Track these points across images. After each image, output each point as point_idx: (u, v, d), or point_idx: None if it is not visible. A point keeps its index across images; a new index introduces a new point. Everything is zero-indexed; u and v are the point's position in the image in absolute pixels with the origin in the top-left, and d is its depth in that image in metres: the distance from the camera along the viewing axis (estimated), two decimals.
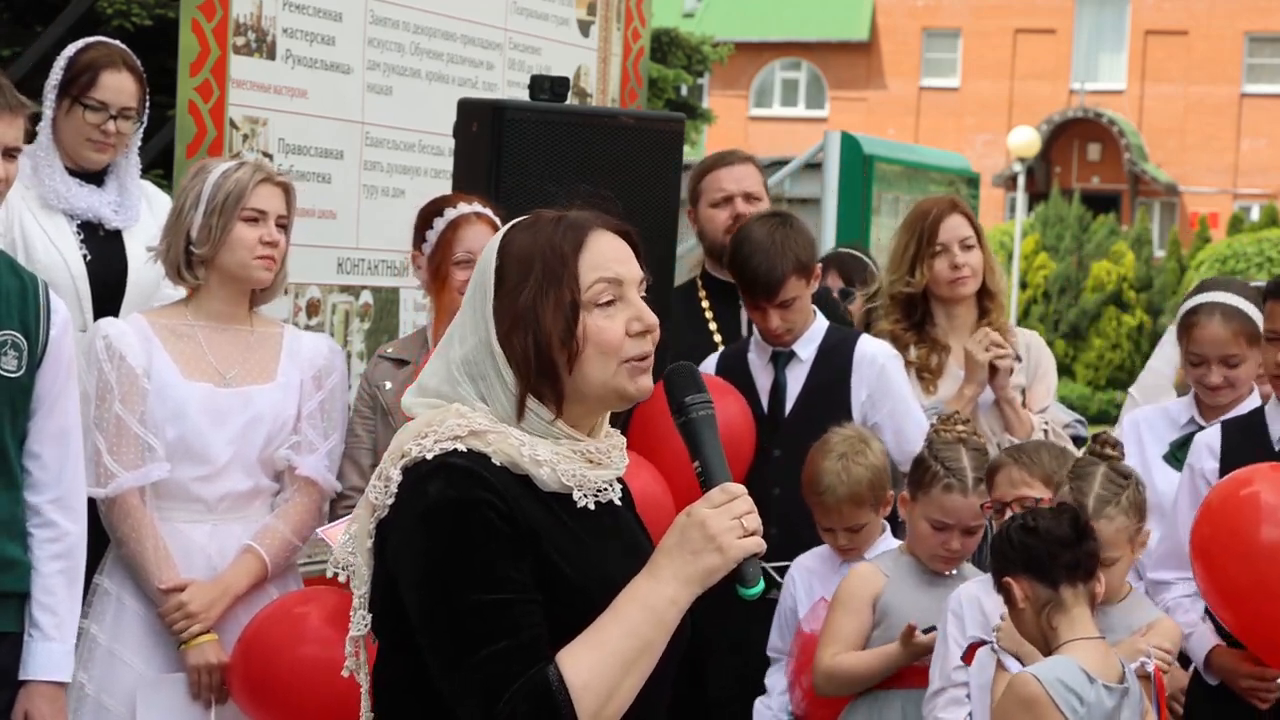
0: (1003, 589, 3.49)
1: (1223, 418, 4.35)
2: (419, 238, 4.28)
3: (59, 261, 4.30)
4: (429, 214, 4.28)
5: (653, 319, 2.44)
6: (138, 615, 3.90)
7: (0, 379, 3.52)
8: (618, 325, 2.41)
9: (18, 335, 3.54)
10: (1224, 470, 4.10)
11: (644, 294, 2.46)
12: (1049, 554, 3.43)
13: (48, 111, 4.40)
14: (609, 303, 2.41)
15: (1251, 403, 4.44)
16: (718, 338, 5.08)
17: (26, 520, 3.59)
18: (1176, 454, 4.47)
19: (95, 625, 3.87)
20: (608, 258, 2.43)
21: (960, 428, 4.19)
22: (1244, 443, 4.13)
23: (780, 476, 4.66)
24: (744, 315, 4.85)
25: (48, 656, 3.60)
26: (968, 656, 3.75)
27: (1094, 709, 3.35)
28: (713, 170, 5.25)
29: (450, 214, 4.21)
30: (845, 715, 4.15)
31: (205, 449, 3.90)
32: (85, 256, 4.38)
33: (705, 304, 5.22)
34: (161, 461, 3.86)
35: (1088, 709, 3.34)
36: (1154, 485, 4.46)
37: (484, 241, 4.13)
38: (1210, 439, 4.18)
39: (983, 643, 3.69)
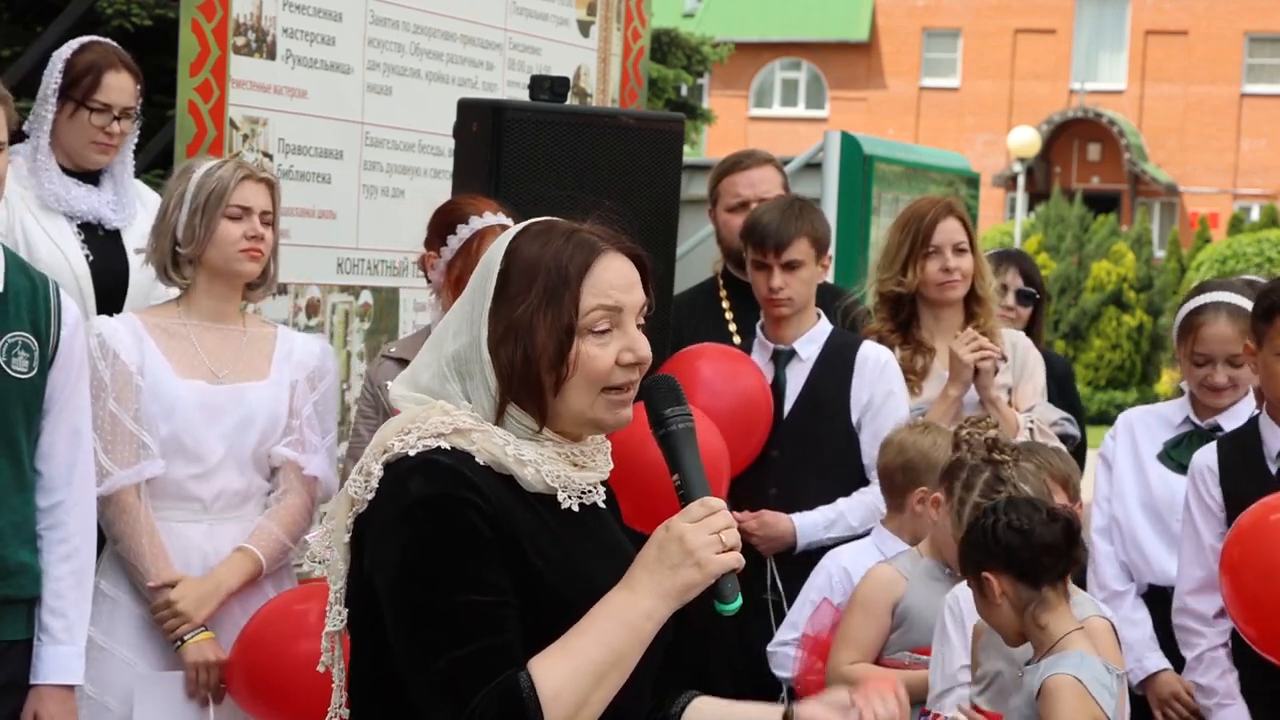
0: (978, 582, 3.45)
1: (1219, 432, 4.33)
2: (437, 240, 4.18)
3: (62, 263, 4.30)
4: (451, 219, 4.17)
5: (645, 352, 2.41)
6: (134, 615, 3.90)
7: (12, 381, 3.49)
8: (609, 354, 2.38)
9: (28, 336, 3.52)
10: (1225, 488, 4.10)
11: (641, 323, 2.43)
12: (1037, 560, 3.41)
13: (47, 114, 4.39)
14: (605, 330, 2.38)
15: (1247, 406, 4.44)
16: (736, 340, 5.05)
17: (36, 522, 3.57)
18: (1171, 453, 4.46)
19: (93, 626, 3.86)
20: (612, 284, 2.39)
21: (992, 432, 4.16)
22: (1241, 461, 4.12)
23: (777, 477, 4.66)
24: (761, 316, 4.85)
25: (57, 660, 3.57)
26: None
27: (1115, 696, 3.41)
28: (729, 174, 5.21)
29: (477, 223, 4.12)
30: None
31: (198, 446, 3.90)
32: (88, 257, 4.39)
33: (725, 304, 5.21)
34: (156, 458, 3.86)
35: (1114, 699, 3.40)
36: (1149, 485, 4.47)
37: None
38: (1208, 460, 4.15)
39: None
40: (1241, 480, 4.08)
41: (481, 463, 2.34)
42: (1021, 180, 28.08)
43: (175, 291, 4.11)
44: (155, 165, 5.83)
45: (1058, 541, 3.41)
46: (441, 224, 4.20)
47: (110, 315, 4.07)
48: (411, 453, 2.32)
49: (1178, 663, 4.32)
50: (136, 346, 3.88)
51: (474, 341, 2.40)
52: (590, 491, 2.44)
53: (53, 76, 4.39)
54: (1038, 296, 6.07)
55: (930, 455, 4.28)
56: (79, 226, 4.42)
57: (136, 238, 4.49)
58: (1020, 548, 3.40)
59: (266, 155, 5.00)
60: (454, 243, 4.13)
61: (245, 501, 4.00)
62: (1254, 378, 4.41)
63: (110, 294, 4.40)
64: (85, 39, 4.51)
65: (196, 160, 4.10)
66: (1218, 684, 4.15)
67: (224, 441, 3.93)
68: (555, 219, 2.46)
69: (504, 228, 4.10)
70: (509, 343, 2.36)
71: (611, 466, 2.49)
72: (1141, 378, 24.52)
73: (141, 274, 4.45)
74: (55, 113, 4.37)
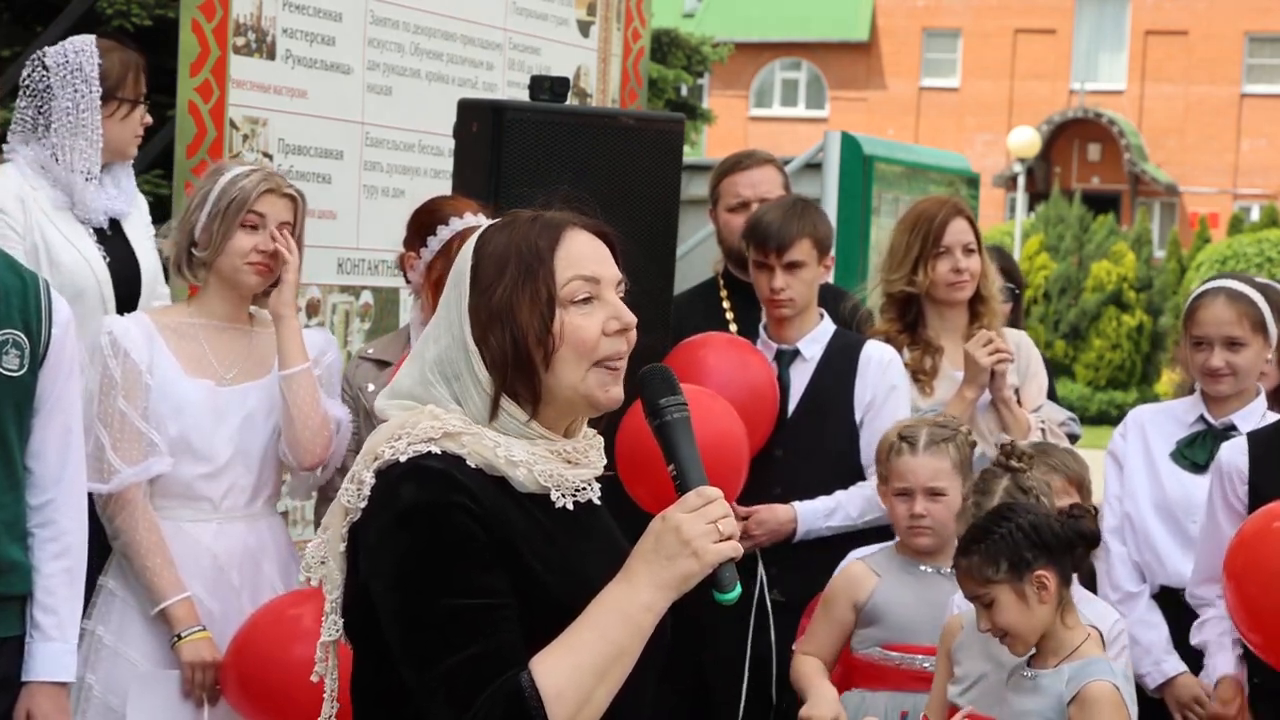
0: (1016, 585, 3.35)
1: (1234, 431, 4.30)
2: (417, 241, 4.21)
3: (84, 266, 4.29)
4: (431, 220, 4.20)
5: (630, 318, 2.41)
6: (142, 615, 3.89)
7: (3, 379, 3.50)
8: (594, 324, 2.38)
9: (19, 334, 3.53)
10: (1253, 486, 4.07)
11: (623, 295, 2.43)
12: (1077, 553, 3.39)
13: (93, 119, 4.31)
14: (586, 300, 2.39)
15: (1258, 406, 4.42)
16: None
17: (27, 520, 3.58)
18: (1184, 452, 4.42)
19: (101, 626, 3.88)
20: (585, 256, 2.40)
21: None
22: (1275, 461, 4.08)
23: (781, 476, 4.65)
24: (764, 316, 4.85)
25: (49, 657, 3.58)
26: None
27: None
28: (730, 174, 5.19)
29: (457, 224, 4.14)
30: None
31: (206, 446, 3.92)
32: (105, 259, 4.38)
33: (726, 303, 5.21)
34: (163, 456, 3.87)
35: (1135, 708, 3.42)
36: (1162, 485, 4.43)
37: None
38: (1238, 461, 4.12)
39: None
40: (1270, 471, 4.05)
41: (473, 465, 2.33)
42: (1021, 180, 28.07)
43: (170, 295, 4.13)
44: (155, 165, 5.83)
45: (1095, 533, 3.40)
46: (421, 225, 4.23)
47: (122, 315, 4.08)
48: (402, 459, 2.31)
49: (1194, 665, 4.30)
50: (147, 345, 3.90)
51: (456, 340, 2.39)
52: (585, 489, 2.43)
53: (92, 82, 4.32)
54: (1017, 291, 6.12)
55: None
56: (91, 229, 4.42)
57: (135, 234, 4.50)
58: (1067, 543, 3.37)
59: (266, 155, 5.01)
60: (434, 244, 4.16)
61: (254, 500, 4.01)
62: (1254, 367, 4.38)
63: (126, 294, 4.39)
64: (83, 39, 4.42)
65: (227, 163, 4.11)
66: (1222, 638, 4.15)
67: (231, 441, 3.94)
68: (517, 211, 2.48)
69: None
70: (495, 329, 2.36)
71: (605, 462, 2.49)
72: (1141, 378, 24.51)
73: (149, 272, 4.48)
74: (101, 113, 4.30)
